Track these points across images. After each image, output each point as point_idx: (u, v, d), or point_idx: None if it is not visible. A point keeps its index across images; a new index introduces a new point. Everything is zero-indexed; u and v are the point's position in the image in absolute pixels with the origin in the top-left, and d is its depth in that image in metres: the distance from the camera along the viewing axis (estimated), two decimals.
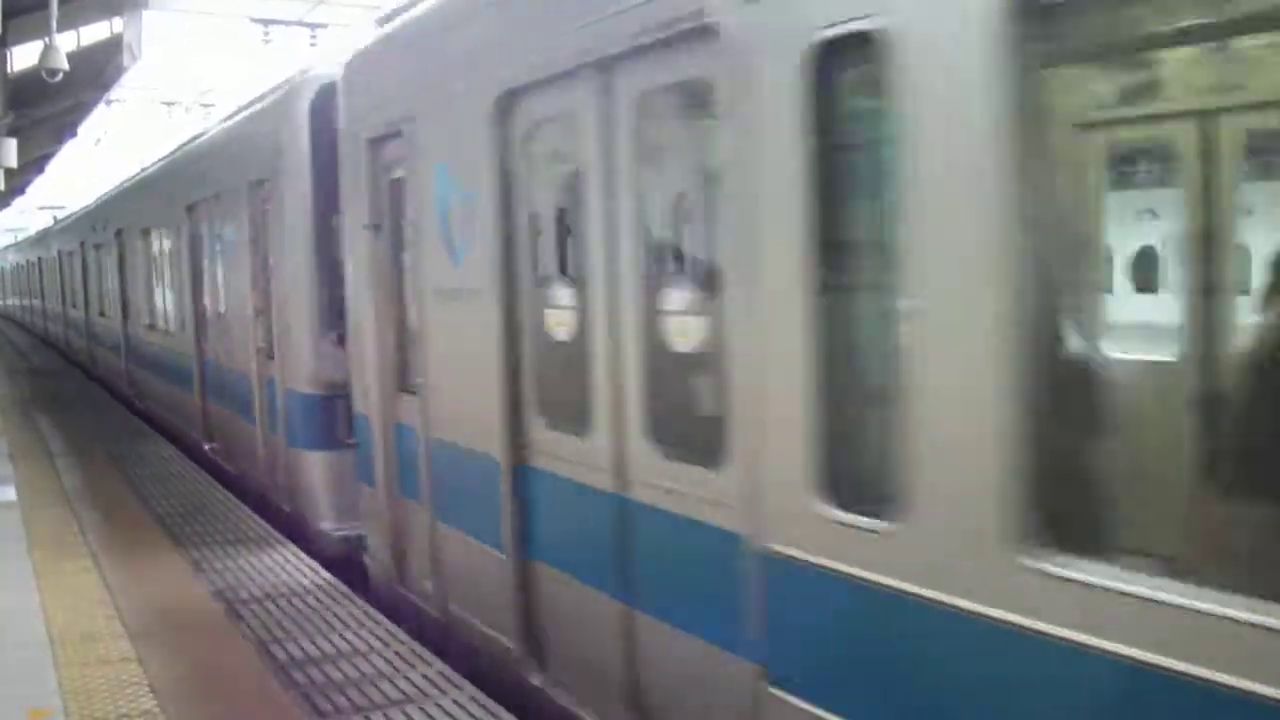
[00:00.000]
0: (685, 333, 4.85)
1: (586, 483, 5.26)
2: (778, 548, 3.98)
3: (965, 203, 3.20)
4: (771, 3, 3.94)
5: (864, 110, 3.83)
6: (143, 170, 18.39)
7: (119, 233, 19.63)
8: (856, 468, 3.86)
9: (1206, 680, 2.61)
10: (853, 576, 3.66)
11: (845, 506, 3.71)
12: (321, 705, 5.75)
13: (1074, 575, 2.94)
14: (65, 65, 17.38)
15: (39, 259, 36.68)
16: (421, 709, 5.69)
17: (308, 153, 9.51)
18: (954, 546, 3.30)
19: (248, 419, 11.46)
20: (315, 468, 9.65)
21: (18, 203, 49.03)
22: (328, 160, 8.70)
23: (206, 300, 13.67)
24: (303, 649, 6.56)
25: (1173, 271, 6.64)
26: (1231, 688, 2.56)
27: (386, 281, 7.58)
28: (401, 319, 7.51)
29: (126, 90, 30.25)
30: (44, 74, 17.48)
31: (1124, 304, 8.04)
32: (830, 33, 3.62)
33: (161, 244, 16.41)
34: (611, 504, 5.05)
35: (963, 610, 3.25)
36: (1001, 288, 3.11)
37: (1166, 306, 6.19)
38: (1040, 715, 3.12)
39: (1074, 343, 4.12)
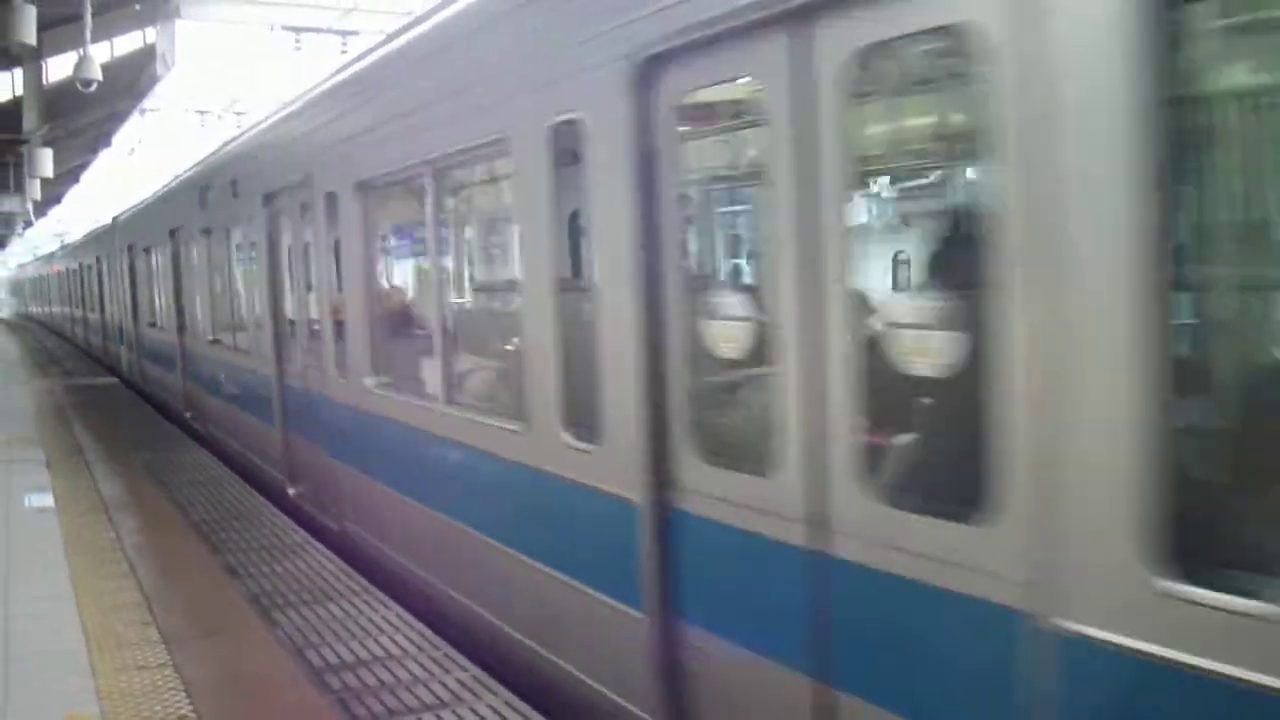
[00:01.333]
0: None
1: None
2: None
3: None
4: None
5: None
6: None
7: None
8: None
9: None
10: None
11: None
12: (356, 710, 5.74)
13: None
14: (99, 75, 17.56)
15: (80, 265, 36.88)
16: (456, 714, 5.67)
17: None
18: None
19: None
20: None
21: (54, 212, 49.61)
22: None
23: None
24: (338, 654, 6.56)
25: None
26: None
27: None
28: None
29: (160, 100, 30.51)
30: (78, 84, 17.65)
31: None
32: None
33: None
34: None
35: None
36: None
37: None
38: None
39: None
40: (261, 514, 10.47)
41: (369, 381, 8.53)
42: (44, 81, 21.44)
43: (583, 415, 5.42)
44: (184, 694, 5.97)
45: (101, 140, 31.86)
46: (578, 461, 5.49)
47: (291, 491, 10.94)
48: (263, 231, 11.70)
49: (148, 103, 28.31)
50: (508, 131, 6.04)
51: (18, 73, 21.70)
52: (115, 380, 25.30)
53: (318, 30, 22.50)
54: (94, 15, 17.20)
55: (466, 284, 8.45)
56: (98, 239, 31.53)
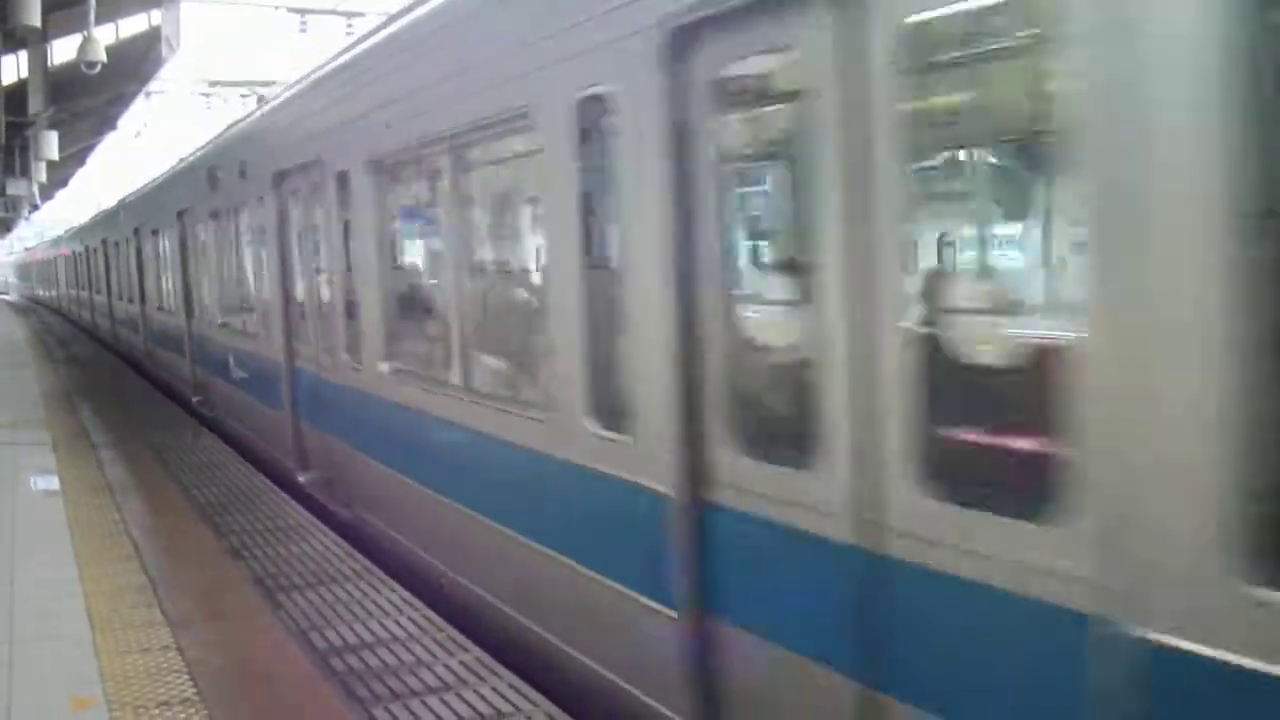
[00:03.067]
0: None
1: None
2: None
3: None
4: None
5: None
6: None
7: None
8: None
9: None
10: None
11: None
12: (360, 693, 5.73)
13: None
14: (103, 57, 17.52)
15: (86, 248, 36.85)
16: (460, 696, 5.66)
17: None
18: None
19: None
20: None
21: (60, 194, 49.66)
22: None
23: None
24: (341, 636, 6.55)
25: None
26: None
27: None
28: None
29: (165, 82, 30.48)
30: (83, 66, 17.61)
31: None
32: None
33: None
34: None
35: None
36: None
37: None
38: None
39: None
40: (266, 496, 10.47)
41: (383, 366, 8.42)
42: (49, 64, 21.39)
43: (611, 403, 5.25)
44: (188, 676, 5.96)
45: (107, 123, 31.84)
46: (605, 451, 5.28)
47: (302, 478, 10.74)
48: (273, 212, 11.46)
49: (153, 85, 28.31)
50: (530, 105, 5.81)
51: (23, 55, 21.64)
52: (122, 364, 25.31)
53: (321, 12, 22.48)
54: None
55: (484, 265, 8.30)
56: (103, 222, 31.56)
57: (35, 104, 21.39)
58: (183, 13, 21.49)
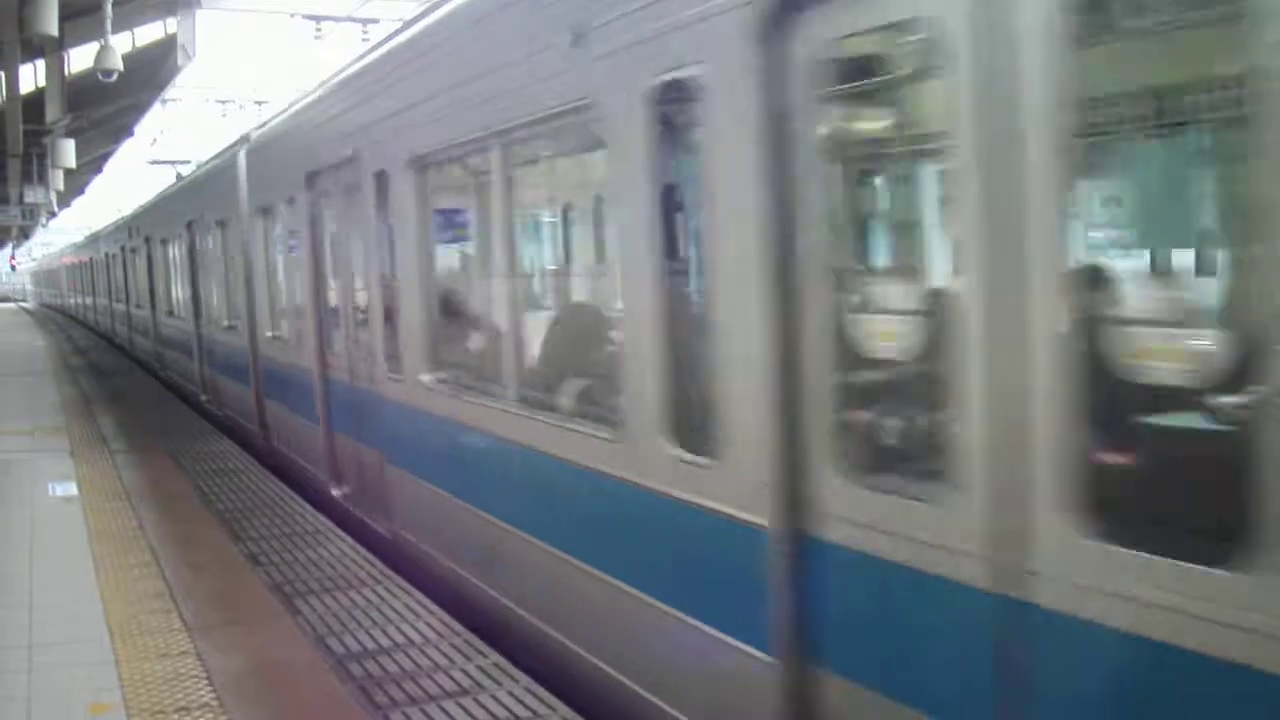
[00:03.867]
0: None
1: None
2: None
3: None
4: None
5: None
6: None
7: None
8: None
9: None
10: None
11: None
12: (378, 698, 5.73)
13: None
14: (120, 65, 17.62)
15: (105, 255, 36.98)
16: (477, 701, 5.65)
17: None
18: None
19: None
20: None
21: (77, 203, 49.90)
22: None
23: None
24: (359, 641, 6.55)
25: None
26: None
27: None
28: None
29: (181, 90, 30.62)
30: (100, 75, 17.71)
31: None
32: None
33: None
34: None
35: None
36: None
37: None
38: None
39: None
40: (283, 502, 10.48)
41: (426, 378, 7.92)
42: (66, 72, 21.51)
43: (694, 423, 4.77)
44: (206, 681, 5.97)
45: (124, 130, 31.99)
46: (688, 477, 4.76)
47: (336, 493, 10.34)
48: (304, 215, 10.95)
49: (169, 93, 28.44)
50: (596, 95, 5.31)
51: (40, 64, 21.77)
52: (139, 371, 25.40)
53: (337, 19, 22.54)
54: (115, 6, 17.25)
55: (543, 269, 7.90)
56: (120, 230, 31.68)
57: (52, 112, 21.52)
58: (198, 21, 21.56)
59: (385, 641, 6.54)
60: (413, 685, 5.89)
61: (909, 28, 3.78)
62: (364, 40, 21.92)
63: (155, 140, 37.94)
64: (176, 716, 5.55)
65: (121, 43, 19.59)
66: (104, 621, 6.97)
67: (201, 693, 5.83)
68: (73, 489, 11.18)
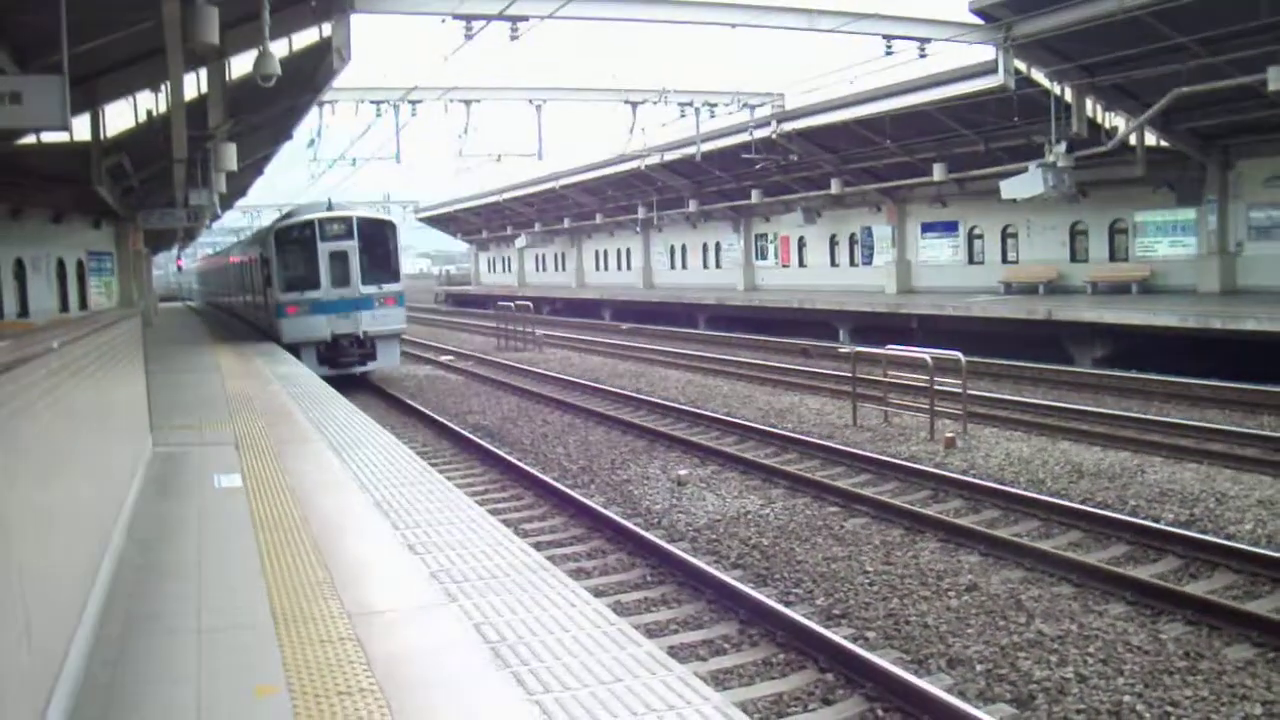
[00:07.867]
0: None
1: None
2: None
3: None
4: None
5: None
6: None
7: None
8: None
9: None
10: None
11: None
12: (530, 685, 5.77)
13: None
14: (278, 70, 18.09)
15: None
16: (629, 689, 5.65)
17: None
18: None
19: None
20: None
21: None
22: None
23: None
24: (513, 628, 6.61)
25: None
26: None
27: None
28: None
29: (337, 92, 31.38)
30: (259, 80, 18.22)
31: None
32: None
33: None
34: None
35: None
36: None
37: None
38: None
39: None
40: (439, 492, 10.65)
41: None
42: (227, 79, 22.23)
43: None
44: (365, 667, 6.09)
45: (283, 133, 32.96)
46: None
47: None
48: None
49: (325, 95, 29.17)
50: None
51: (203, 72, 22.55)
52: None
53: (487, 18, 22.81)
54: (272, 13, 17.73)
55: None
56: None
57: (215, 117, 22.26)
58: (352, 25, 22.08)
59: (538, 628, 6.59)
60: (564, 671, 5.91)
61: None
62: (513, 39, 22.18)
63: (313, 141, 38.97)
64: (338, 700, 5.67)
65: (279, 48, 20.16)
66: (268, 608, 7.16)
67: (361, 678, 5.94)
68: (237, 480, 11.53)
